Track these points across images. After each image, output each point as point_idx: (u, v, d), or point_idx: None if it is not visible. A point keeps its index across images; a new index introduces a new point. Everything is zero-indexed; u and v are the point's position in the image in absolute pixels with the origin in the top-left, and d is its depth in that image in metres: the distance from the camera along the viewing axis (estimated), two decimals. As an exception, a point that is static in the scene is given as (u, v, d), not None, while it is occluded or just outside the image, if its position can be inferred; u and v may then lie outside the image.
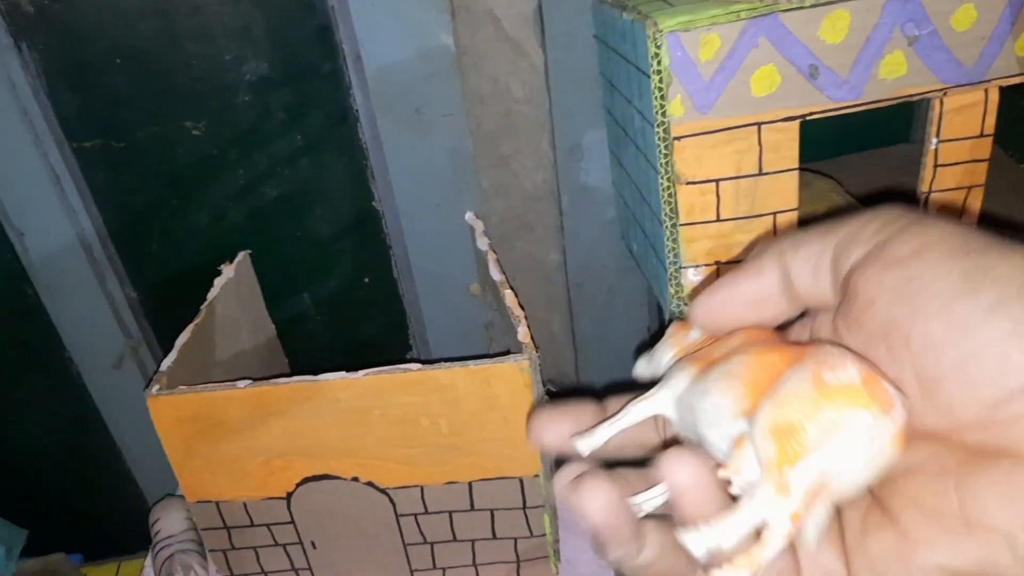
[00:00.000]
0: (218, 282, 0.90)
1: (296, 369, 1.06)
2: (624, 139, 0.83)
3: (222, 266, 0.92)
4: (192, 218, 0.97)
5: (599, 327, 1.08)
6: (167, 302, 1.03)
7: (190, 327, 0.83)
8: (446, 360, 0.73)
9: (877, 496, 0.27)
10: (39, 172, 0.90)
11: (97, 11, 0.84)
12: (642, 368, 0.36)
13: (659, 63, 0.66)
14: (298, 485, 0.80)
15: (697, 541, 0.27)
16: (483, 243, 0.93)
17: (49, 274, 0.97)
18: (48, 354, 1.05)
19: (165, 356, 1.07)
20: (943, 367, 0.23)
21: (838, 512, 0.28)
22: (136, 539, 1.21)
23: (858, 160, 0.98)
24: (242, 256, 0.96)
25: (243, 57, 0.88)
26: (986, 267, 0.23)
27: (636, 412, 0.33)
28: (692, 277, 0.74)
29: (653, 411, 0.32)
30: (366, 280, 1.04)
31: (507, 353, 0.73)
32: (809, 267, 0.28)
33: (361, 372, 0.72)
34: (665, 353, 0.35)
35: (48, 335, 1.03)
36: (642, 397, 0.32)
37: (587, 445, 0.33)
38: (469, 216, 0.98)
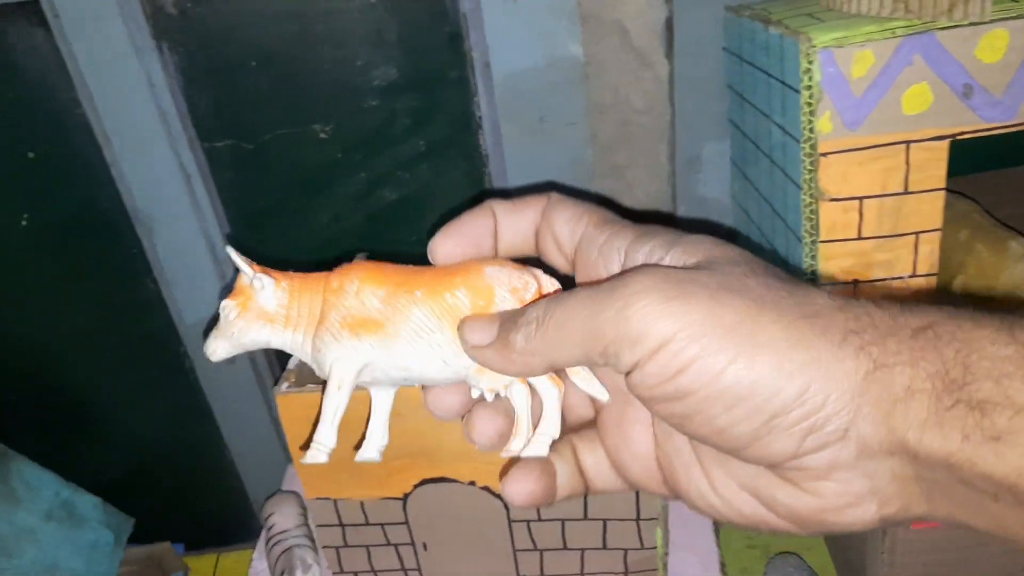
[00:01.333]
0: (338, 283, 0.91)
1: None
2: (754, 152, 0.82)
3: (340, 267, 0.93)
4: (313, 219, 0.99)
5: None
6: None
7: (314, 326, 0.84)
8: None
9: None
10: (171, 170, 0.93)
11: (236, 14, 0.86)
12: (222, 351, 0.38)
13: (810, 78, 0.65)
14: (416, 486, 0.80)
15: (543, 445, 0.35)
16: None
17: (173, 269, 1.00)
18: (165, 347, 1.08)
19: (277, 354, 1.10)
20: None
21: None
22: (236, 531, 1.24)
23: (987, 179, 0.96)
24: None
25: (373, 62, 0.89)
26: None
27: (343, 397, 0.37)
28: (828, 295, 0.73)
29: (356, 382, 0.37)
30: (477, 285, 1.05)
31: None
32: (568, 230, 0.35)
33: (486, 377, 0.73)
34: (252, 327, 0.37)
35: (167, 328, 1.05)
36: (337, 380, 0.37)
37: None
38: (584, 226, 0.98)
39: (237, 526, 1.24)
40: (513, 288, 0.35)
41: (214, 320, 0.38)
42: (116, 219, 0.97)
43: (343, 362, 0.36)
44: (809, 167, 0.68)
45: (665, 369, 0.28)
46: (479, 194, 0.99)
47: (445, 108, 0.93)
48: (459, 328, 0.34)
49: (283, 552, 0.88)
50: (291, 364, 0.80)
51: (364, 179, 0.96)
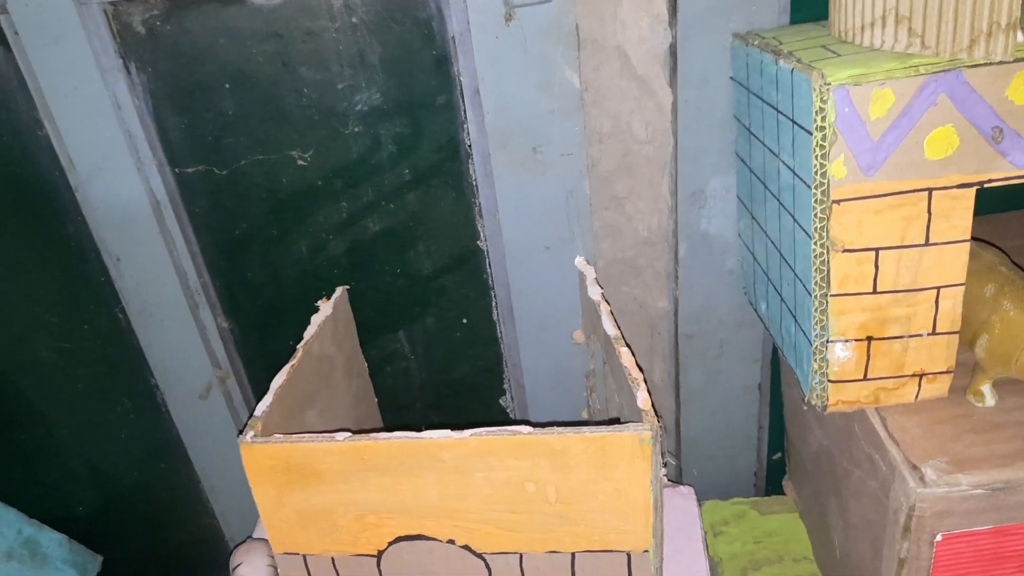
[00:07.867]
0: (315, 319, 0.86)
1: (385, 408, 1.01)
2: (762, 192, 0.76)
3: (319, 302, 0.88)
4: (291, 249, 0.94)
5: (707, 381, 1.02)
6: (259, 333, 1.00)
7: (286, 369, 0.79)
8: (551, 423, 0.69)
9: None
10: (139, 197, 0.88)
11: (210, 33, 0.81)
12: None
13: (823, 119, 0.59)
14: (390, 543, 0.76)
15: None
16: (595, 292, 0.87)
17: (141, 299, 0.95)
18: (135, 379, 1.02)
19: (253, 387, 1.04)
20: None
21: None
22: (210, 572, 1.18)
23: (1012, 220, 0.90)
24: (340, 292, 0.92)
25: (356, 86, 0.84)
26: None
27: None
28: (840, 352, 0.67)
29: None
30: (464, 320, 0.99)
31: (616, 421, 0.67)
32: None
33: (468, 432, 0.68)
34: None
35: (136, 360, 1.00)
36: None
37: None
38: (579, 261, 0.92)
39: (210, 567, 1.18)
40: None
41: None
42: (83, 245, 0.92)
43: None
44: (820, 215, 0.62)
45: None
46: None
47: (432, 135, 0.88)
48: None
49: (249, 607, 0.82)
50: (257, 411, 0.74)
51: (345, 208, 0.91)
